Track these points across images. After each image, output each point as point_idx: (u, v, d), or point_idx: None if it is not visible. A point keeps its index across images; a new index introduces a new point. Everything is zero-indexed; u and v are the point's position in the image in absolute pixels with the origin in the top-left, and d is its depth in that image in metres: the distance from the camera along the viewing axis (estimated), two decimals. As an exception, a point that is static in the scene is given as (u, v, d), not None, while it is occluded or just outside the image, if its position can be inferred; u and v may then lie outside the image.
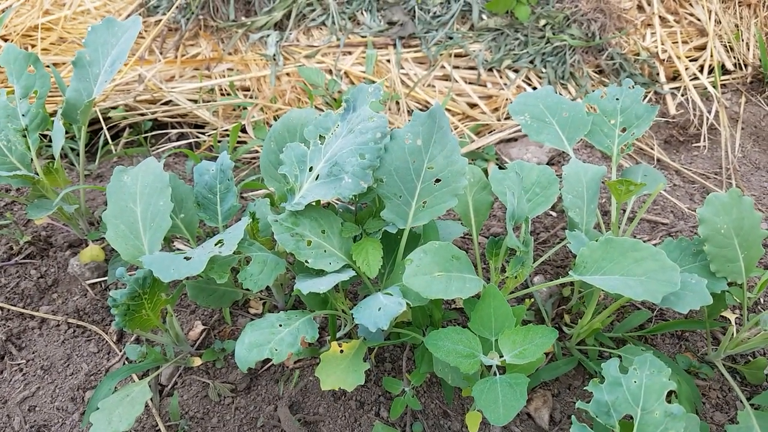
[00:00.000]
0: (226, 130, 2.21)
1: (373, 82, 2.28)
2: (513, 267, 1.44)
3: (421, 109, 2.30)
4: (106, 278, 1.75)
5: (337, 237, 1.34)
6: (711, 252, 1.35)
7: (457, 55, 2.41)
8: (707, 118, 2.41)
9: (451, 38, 2.40)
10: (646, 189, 1.73)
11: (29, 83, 1.54)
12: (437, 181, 1.32)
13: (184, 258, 1.20)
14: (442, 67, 2.38)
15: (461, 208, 1.59)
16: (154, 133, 2.26)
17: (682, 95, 2.48)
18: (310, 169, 1.33)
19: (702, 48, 2.62)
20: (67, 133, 2.11)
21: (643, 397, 1.15)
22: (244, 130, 2.22)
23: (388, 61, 2.37)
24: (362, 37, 2.42)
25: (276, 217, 1.27)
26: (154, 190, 1.38)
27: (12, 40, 2.50)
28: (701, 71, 2.55)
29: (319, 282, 1.21)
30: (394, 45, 2.40)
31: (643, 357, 1.20)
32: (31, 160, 1.56)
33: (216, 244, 1.23)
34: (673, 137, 2.42)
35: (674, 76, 2.55)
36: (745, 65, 2.61)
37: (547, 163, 2.13)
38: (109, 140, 2.17)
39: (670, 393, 1.46)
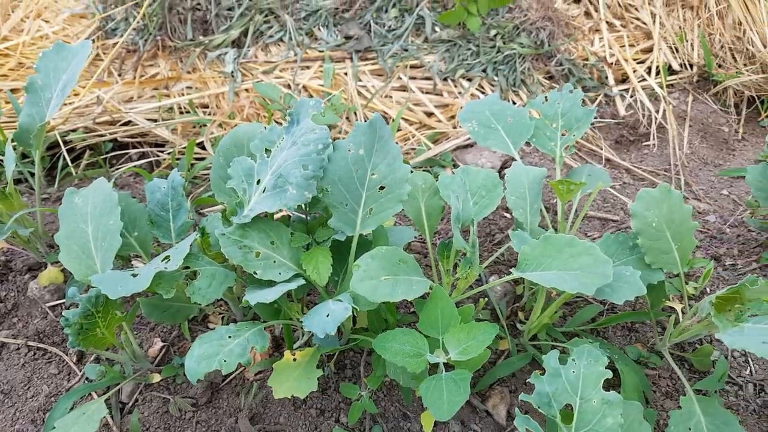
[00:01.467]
0: (185, 147, 2.24)
1: (331, 94, 2.33)
2: (463, 268, 1.48)
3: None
4: (65, 300, 1.76)
5: (286, 247, 1.37)
6: (645, 245, 1.41)
7: (412, 67, 2.47)
8: (655, 118, 2.50)
9: (406, 50, 2.46)
10: (589, 188, 1.80)
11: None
12: (381, 188, 1.36)
13: (132, 275, 1.23)
14: (399, 78, 2.43)
15: (414, 213, 1.64)
16: (114, 153, 2.28)
17: (631, 96, 2.57)
18: (258, 182, 1.36)
19: (649, 50, 2.71)
20: (27, 157, 2.12)
21: (582, 387, 1.19)
22: (203, 147, 2.25)
23: (346, 74, 2.42)
24: (320, 51, 2.47)
25: (223, 230, 1.30)
26: (105, 210, 1.40)
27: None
28: (649, 73, 2.64)
29: (267, 292, 1.25)
30: (351, 58, 2.45)
31: (581, 348, 1.24)
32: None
33: (163, 260, 1.26)
34: (624, 137, 2.50)
35: (623, 79, 2.64)
36: (691, 65, 2.71)
37: (501, 167, 2.19)
38: (69, 163, 2.19)
39: (609, 381, 1.52)
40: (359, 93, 2.38)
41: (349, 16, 2.55)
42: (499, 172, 2.19)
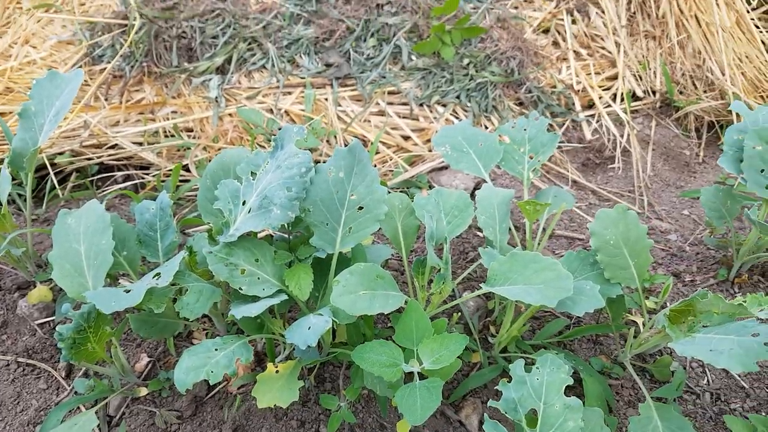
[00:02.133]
0: (170, 170, 2.31)
1: (312, 119, 2.43)
2: (437, 284, 1.58)
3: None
4: (54, 318, 1.82)
5: (270, 265, 1.46)
6: (603, 261, 1.52)
7: (390, 93, 2.59)
8: (620, 142, 2.65)
9: (384, 77, 2.58)
10: (554, 208, 1.92)
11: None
12: (360, 208, 1.46)
13: (124, 291, 1.30)
14: (377, 103, 2.55)
15: (391, 232, 1.74)
16: (100, 176, 2.35)
17: (597, 122, 2.72)
18: (243, 203, 1.45)
19: (613, 78, 2.87)
20: (15, 179, 2.18)
21: (545, 393, 1.29)
22: (187, 169, 2.33)
23: (326, 99, 2.53)
24: (301, 78, 2.58)
25: (210, 249, 1.38)
26: (97, 230, 1.47)
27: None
28: (614, 99, 2.80)
29: (252, 307, 1.33)
30: (332, 85, 2.56)
31: (544, 357, 1.34)
32: (-22, 207, 1.64)
33: (154, 277, 1.33)
34: (590, 160, 2.63)
35: (589, 105, 2.78)
36: (654, 92, 2.87)
37: (474, 188, 2.30)
38: (56, 185, 2.25)
39: (574, 391, 1.62)
40: (339, 118, 2.48)
41: (330, 44, 2.67)
42: (472, 193, 2.30)
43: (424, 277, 1.64)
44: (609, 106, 2.77)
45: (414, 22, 2.70)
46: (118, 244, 1.61)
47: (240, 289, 1.37)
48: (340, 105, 2.53)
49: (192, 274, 1.43)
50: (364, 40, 2.69)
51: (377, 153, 2.42)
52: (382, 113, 2.55)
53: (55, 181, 2.24)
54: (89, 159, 2.34)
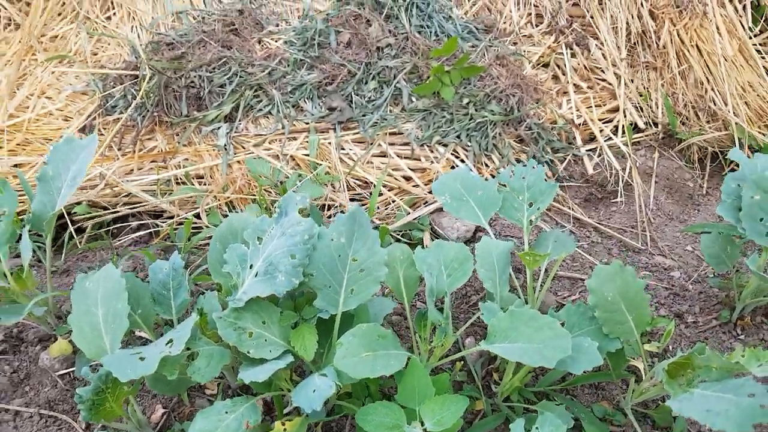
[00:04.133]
0: (184, 217, 2.39)
1: (318, 164, 2.50)
2: (438, 338, 1.64)
3: (360, 185, 2.53)
4: (74, 369, 1.89)
5: (276, 326, 1.52)
6: (602, 317, 1.57)
7: (391, 134, 2.66)
8: (622, 176, 2.68)
9: (385, 119, 2.65)
10: (555, 254, 1.96)
11: (-1, 204, 1.73)
12: (361, 270, 1.52)
13: (139, 358, 1.37)
14: (379, 145, 2.62)
15: (393, 283, 1.79)
16: (116, 226, 2.43)
17: (599, 156, 2.76)
18: (251, 267, 1.52)
19: (615, 110, 2.91)
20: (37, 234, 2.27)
21: (543, 452, 1.33)
22: (199, 216, 2.40)
23: (330, 143, 2.60)
24: (305, 123, 2.65)
25: (220, 314, 1.45)
26: (113, 295, 1.54)
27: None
28: (615, 132, 2.84)
29: (259, 371, 1.39)
30: (335, 129, 2.63)
31: (543, 417, 1.39)
32: (2, 271, 1.72)
33: (167, 344, 1.40)
34: (593, 195, 2.68)
35: (590, 138, 2.83)
36: (656, 123, 2.91)
37: (474, 231, 2.35)
38: (74, 234, 2.34)
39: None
40: (342, 161, 2.55)
41: (332, 88, 2.74)
42: (474, 234, 2.35)
43: (426, 329, 1.69)
44: (610, 139, 2.81)
45: (414, 64, 2.77)
46: (133, 303, 1.68)
47: (248, 352, 1.44)
48: (343, 148, 2.60)
49: (203, 338, 1.50)
50: (366, 83, 2.77)
51: (380, 194, 2.48)
52: (384, 154, 2.62)
53: (73, 231, 2.33)
54: (105, 209, 2.43)
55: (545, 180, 1.99)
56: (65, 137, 1.85)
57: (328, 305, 1.53)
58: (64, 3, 3.24)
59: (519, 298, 1.91)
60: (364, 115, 2.68)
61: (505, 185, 2.02)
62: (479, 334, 2.03)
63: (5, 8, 3.19)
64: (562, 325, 1.61)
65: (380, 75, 2.76)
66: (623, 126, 2.83)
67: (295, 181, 2.23)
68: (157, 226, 2.43)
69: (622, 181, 2.69)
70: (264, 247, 1.52)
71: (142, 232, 2.38)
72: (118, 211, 2.42)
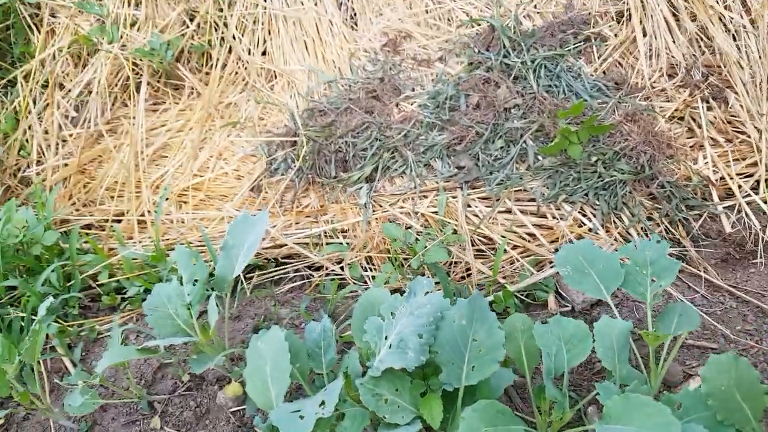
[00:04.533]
0: (332, 270, 2.76)
1: (446, 222, 2.74)
2: (557, 412, 1.80)
3: (484, 242, 2.72)
4: (244, 407, 2.30)
5: (407, 393, 1.78)
6: (715, 405, 1.63)
7: (516, 191, 2.82)
8: (762, 236, 2.59)
9: (510, 178, 2.82)
10: (678, 330, 2.01)
11: (192, 272, 2.18)
12: (480, 350, 1.74)
13: (299, 416, 1.70)
14: (504, 203, 2.79)
15: (515, 353, 1.98)
16: (277, 273, 2.86)
17: (737, 213, 2.68)
18: (386, 338, 1.81)
19: (754, 165, 2.81)
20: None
21: None
22: (342, 268, 2.75)
23: (457, 201, 2.82)
24: (435, 182, 2.91)
25: (361, 381, 1.75)
26: (279, 354, 1.90)
27: (169, 199, 3.27)
28: (756, 188, 2.74)
29: (394, 435, 1.67)
30: (462, 188, 2.85)
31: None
32: (193, 325, 2.18)
33: (320, 405, 1.72)
34: (730, 255, 2.62)
35: (728, 195, 2.76)
36: (801, 178, 2.76)
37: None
38: (243, 282, 2.80)
39: None
40: (467, 219, 2.76)
41: (461, 148, 2.96)
42: (599, 300, 2.43)
43: (545, 402, 1.85)
44: (749, 195, 2.72)
45: (541, 123, 2.90)
46: (293, 357, 2.03)
47: (384, 417, 1.72)
48: (469, 206, 2.81)
49: (347, 400, 1.80)
50: (493, 142, 2.95)
51: (505, 251, 2.65)
52: (508, 211, 2.79)
53: (243, 281, 2.79)
54: (267, 260, 2.87)
55: (667, 254, 2.05)
56: (242, 214, 2.27)
57: (453, 379, 1.76)
58: (237, 73, 3.81)
59: (641, 373, 2.00)
60: (490, 173, 2.87)
61: (627, 259, 2.11)
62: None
63: (189, 78, 3.82)
64: (678, 407, 1.71)
65: (507, 135, 2.93)
66: (765, 181, 2.72)
67: (424, 245, 2.49)
68: (311, 276, 2.81)
69: (762, 241, 2.60)
70: (396, 322, 1.80)
71: (297, 283, 2.78)
72: (277, 257, 2.84)
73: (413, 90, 3.33)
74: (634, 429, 1.56)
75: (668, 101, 3.02)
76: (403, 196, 2.89)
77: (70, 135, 3.63)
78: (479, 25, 3.48)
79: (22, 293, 2.81)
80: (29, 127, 3.71)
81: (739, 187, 2.75)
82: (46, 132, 3.70)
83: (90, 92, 3.79)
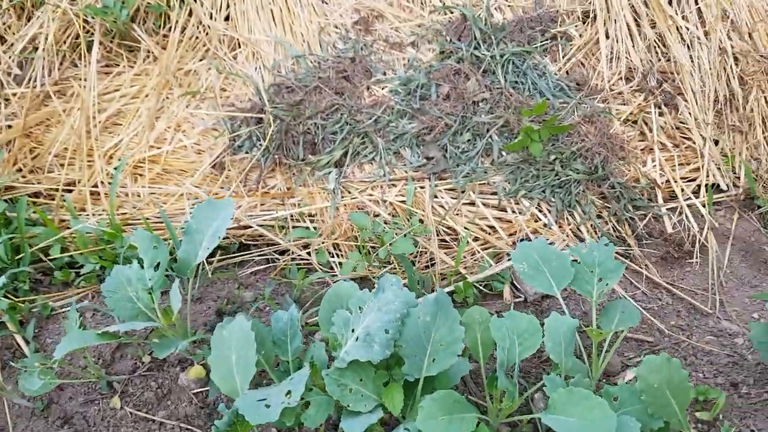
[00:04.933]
0: (298, 255, 2.79)
1: (413, 212, 2.81)
2: (507, 401, 1.93)
3: (448, 233, 2.82)
4: (206, 389, 2.34)
5: (371, 383, 1.88)
6: (647, 400, 1.80)
7: (480, 185, 2.92)
8: (699, 238, 2.80)
9: (475, 171, 2.91)
10: (620, 326, 2.18)
11: (154, 256, 2.18)
12: (441, 344, 1.84)
13: (265, 405, 1.76)
14: (469, 195, 2.89)
15: (471, 344, 2.10)
16: (240, 255, 2.86)
17: (678, 215, 2.88)
18: (352, 331, 1.89)
19: (698, 170, 3.00)
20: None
21: None
22: (309, 254, 2.80)
23: (423, 190, 2.90)
24: (404, 172, 2.97)
25: (327, 372, 1.83)
26: (244, 343, 1.95)
27: (124, 171, 3.18)
28: (697, 192, 2.94)
29: (356, 423, 1.76)
30: (429, 179, 2.93)
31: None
32: (155, 309, 2.19)
33: (286, 395, 1.79)
34: (669, 254, 2.81)
35: (671, 197, 2.95)
36: (738, 186, 2.97)
37: (550, 289, 2.58)
38: (205, 264, 2.80)
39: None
40: (434, 209, 2.85)
41: (430, 139, 3.03)
42: (549, 293, 2.58)
43: (497, 391, 1.99)
44: (690, 198, 2.91)
45: (506, 119, 2.99)
46: (258, 345, 2.07)
47: (348, 406, 1.81)
48: (436, 197, 2.89)
49: (313, 388, 1.88)
50: (461, 135, 3.03)
51: (468, 243, 2.76)
52: (472, 203, 2.89)
53: (205, 263, 2.79)
54: (227, 239, 2.87)
55: (614, 258, 2.21)
56: (207, 200, 2.27)
57: (414, 371, 1.87)
58: (197, 38, 3.68)
59: (584, 364, 2.16)
60: (457, 166, 2.95)
61: (577, 259, 2.25)
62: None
63: (144, 40, 3.66)
64: (615, 399, 1.89)
65: (474, 128, 3.01)
66: (705, 186, 2.92)
67: (391, 236, 2.56)
68: (276, 260, 2.84)
69: (699, 242, 2.81)
70: (364, 315, 1.88)
71: (263, 266, 2.81)
72: (240, 238, 2.85)
73: (384, 74, 3.35)
74: (575, 420, 1.72)
75: (624, 104, 3.16)
76: (372, 184, 2.94)
77: (14, 94, 3.44)
78: (452, 12, 3.51)
79: (-36, 267, 2.73)
80: (-37, 83, 3.50)
81: (682, 190, 2.94)
82: (-17, 90, 3.50)
83: (35, 48, 3.59)
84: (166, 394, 2.36)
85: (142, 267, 2.16)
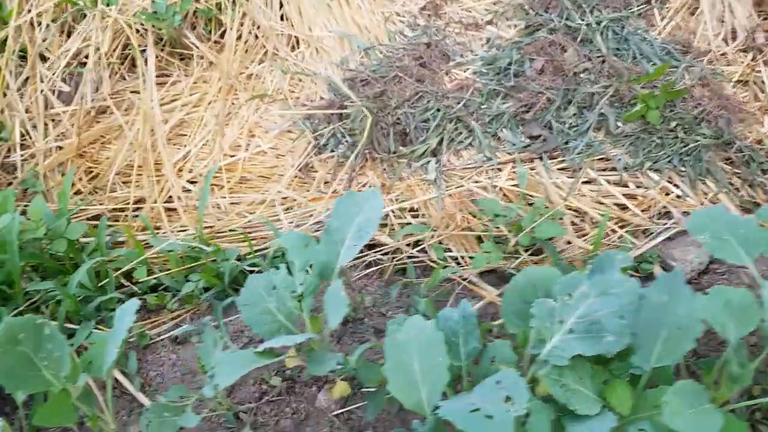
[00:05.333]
0: (411, 254, 2.50)
1: (529, 195, 2.55)
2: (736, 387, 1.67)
3: (574, 215, 2.56)
4: (349, 408, 2.04)
5: (589, 381, 1.60)
6: None
7: (598, 160, 2.68)
8: None
9: (590, 146, 2.67)
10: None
11: (306, 258, 1.88)
12: (678, 328, 1.57)
13: (486, 416, 1.47)
14: (587, 173, 2.64)
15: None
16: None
17: (815, 173, 2.67)
18: (560, 322, 1.61)
19: (823, 126, 2.81)
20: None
21: None
22: (424, 251, 2.51)
23: (537, 173, 2.64)
24: (508, 153, 2.71)
25: (545, 372, 1.54)
26: (429, 347, 1.64)
27: (197, 182, 2.89)
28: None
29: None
30: (541, 158, 2.68)
31: None
32: (302, 320, 1.88)
33: (505, 401, 1.50)
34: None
35: (801, 156, 2.74)
36: None
37: (709, 263, 2.34)
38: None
39: None
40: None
41: (530, 117, 2.79)
42: (708, 266, 2.34)
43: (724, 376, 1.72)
44: (823, 156, 2.71)
45: (615, 88, 2.77)
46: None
47: (575, 410, 1.52)
48: (551, 178, 2.64)
49: (533, 397, 1.59)
50: (565, 109, 2.79)
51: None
52: (591, 181, 2.64)
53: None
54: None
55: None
56: (347, 192, 1.98)
57: (643, 362, 1.59)
58: (255, 39, 3.41)
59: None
60: (567, 143, 2.71)
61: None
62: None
63: (197, 47, 3.38)
64: None
65: (580, 101, 2.77)
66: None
67: (532, 220, 2.29)
68: (380, 261, 2.54)
69: None
70: (576, 304, 1.60)
71: (373, 268, 2.51)
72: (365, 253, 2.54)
73: (462, 56, 3.10)
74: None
75: (728, 65, 2.97)
76: (477, 170, 2.68)
77: (64, 113, 3.14)
78: (531, -15, 3.30)
79: (46, 297, 2.39)
80: (7, 106, 3.19)
81: (811, 149, 2.74)
82: (28, 110, 3.19)
83: (79, 64, 3.30)
84: (304, 420, 2.05)
85: (290, 273, 1.86)
